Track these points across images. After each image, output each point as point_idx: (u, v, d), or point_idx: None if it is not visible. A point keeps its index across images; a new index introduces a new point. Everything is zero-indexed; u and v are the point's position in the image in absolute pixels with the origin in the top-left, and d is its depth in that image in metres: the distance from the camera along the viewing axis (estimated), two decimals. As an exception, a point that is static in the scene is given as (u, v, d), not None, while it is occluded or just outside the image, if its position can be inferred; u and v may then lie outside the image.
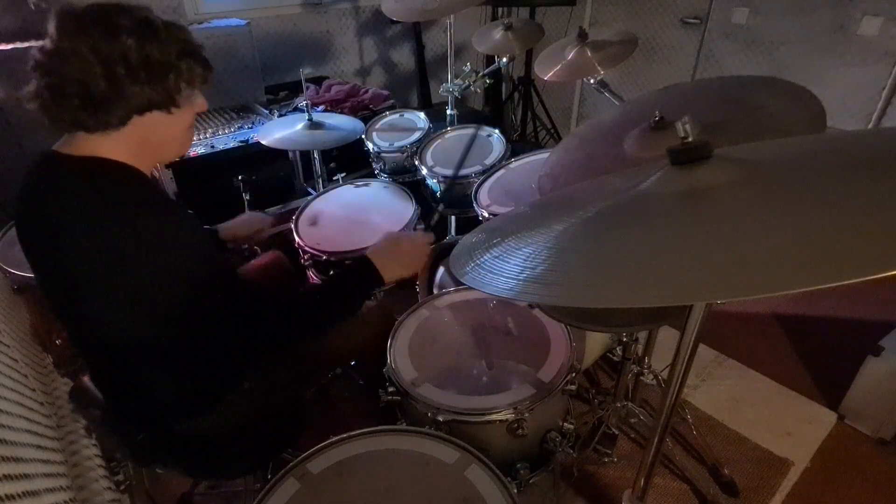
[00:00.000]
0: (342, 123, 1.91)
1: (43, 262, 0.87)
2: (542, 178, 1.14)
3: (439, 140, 2.00)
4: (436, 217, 1.36)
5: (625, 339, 1.39)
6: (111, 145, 0.83)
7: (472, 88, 2.10)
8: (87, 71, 0.76)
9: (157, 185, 0.97)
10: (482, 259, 0.61)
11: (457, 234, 2.06)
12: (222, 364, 0.98)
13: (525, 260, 0.55)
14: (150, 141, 0.87)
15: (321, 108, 2.59)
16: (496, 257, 0.59)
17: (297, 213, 1.71)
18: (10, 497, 0.82)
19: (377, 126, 2.18)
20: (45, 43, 0.78)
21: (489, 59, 3.44)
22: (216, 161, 2.18)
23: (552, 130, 3.62)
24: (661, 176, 0.59)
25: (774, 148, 0.67)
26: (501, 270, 0.56)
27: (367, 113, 2.62)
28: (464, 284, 1.41)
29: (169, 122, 0.87)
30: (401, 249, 1.09)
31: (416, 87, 3.63)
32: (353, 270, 1.08)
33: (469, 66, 2.12)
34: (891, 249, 0.37)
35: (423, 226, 1.16)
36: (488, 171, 1.76)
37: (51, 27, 0.77)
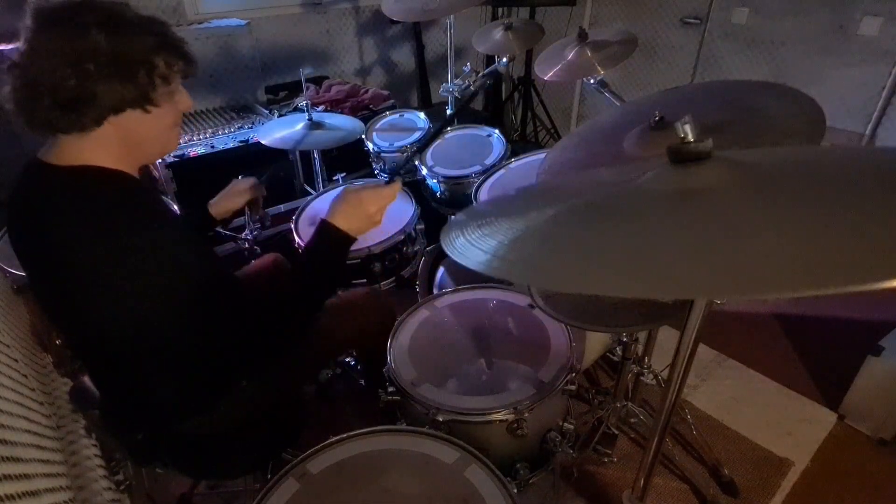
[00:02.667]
0: (342, 123, 1.91)
1: (37, 272, 0.86)
2: (542, 176, 1.14)
3: (439, 140, 2.00)
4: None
5: (625, 339, 1.39)
6: (93, 148, 0.80)
7: (472, 88, 2.10)
8: (55, 70, 0.73)
9: (153, 185, 0.96)
10: (471, 236, 0.59)
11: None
12: (220, 363, 0.98)
13: (513, 241, 0.55)
14: (130, 141, 0.83)
15: (321, 108, 2.59)
16: (485, 235, 0.58)
17: (296, 213, 1.71)
18: (10, 497, 0.82)
19: (377, 126, 2.18)
20: (20, 42, 0.75)
21: (489, 59, 3.44)
22: (216, 161, 2.18)
23: (552, 130, 3.62)
24: (657, 174, 0.59)
25: (773, 153, 0.67)
26: (490, 249, 0.54)
27: (367, 113, 2.62)
28: (464, 284, 1.42)
29: (148, 121, 0.82)
30: (361, 202, 1.01)
31: (416, 87, 3.63)
32: (317, 242, 1.01)
33: (469, 66, 2.12)
34: (885, 260, 0.37)
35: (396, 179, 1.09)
36: (488, 171, 1.76)
37: (24, 25, 0.75)
